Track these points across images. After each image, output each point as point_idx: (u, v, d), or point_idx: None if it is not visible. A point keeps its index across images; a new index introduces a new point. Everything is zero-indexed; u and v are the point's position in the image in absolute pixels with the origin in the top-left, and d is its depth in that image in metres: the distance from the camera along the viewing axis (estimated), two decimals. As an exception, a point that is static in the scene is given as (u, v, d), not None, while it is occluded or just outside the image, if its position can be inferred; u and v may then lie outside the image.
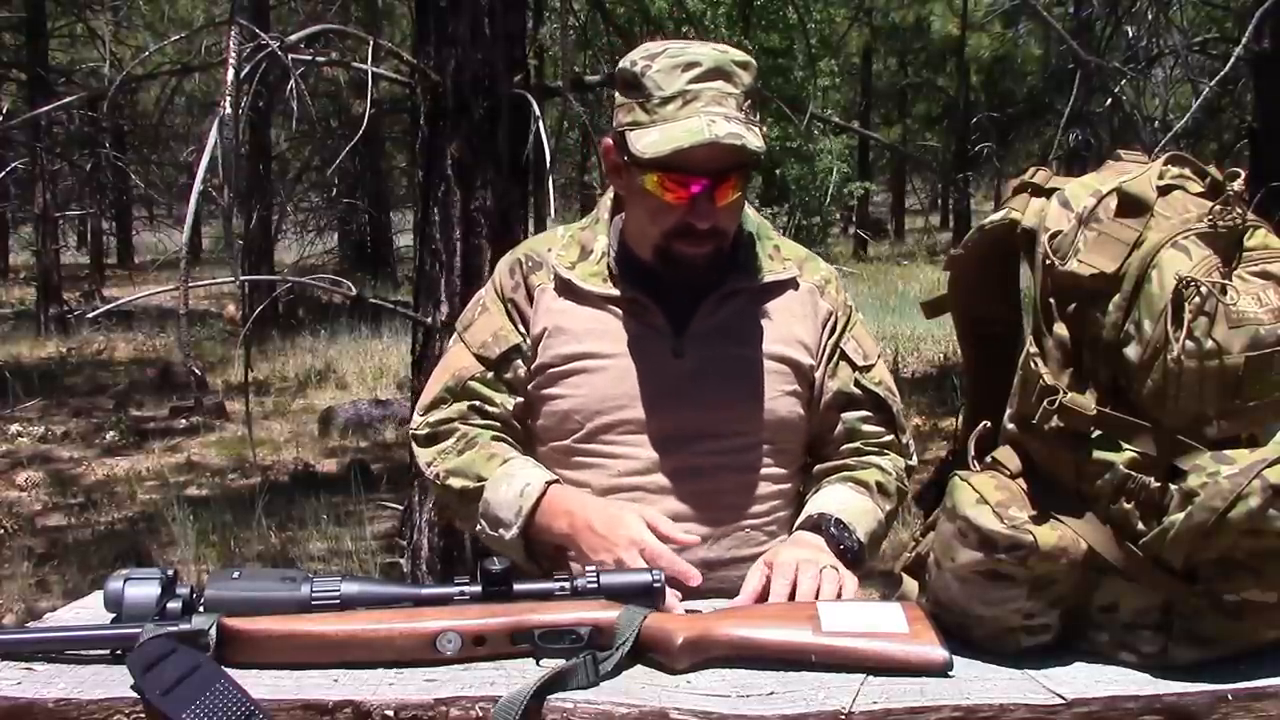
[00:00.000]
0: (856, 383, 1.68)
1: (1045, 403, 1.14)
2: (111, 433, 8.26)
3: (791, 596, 1.39)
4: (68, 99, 9.46)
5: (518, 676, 1.14)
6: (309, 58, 4.35)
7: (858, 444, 1.69)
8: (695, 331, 1.62)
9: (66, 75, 14.94)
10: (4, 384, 9.04)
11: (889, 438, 1.70)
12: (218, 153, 3.16)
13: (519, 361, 1.66)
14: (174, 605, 1.18)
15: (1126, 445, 1.12)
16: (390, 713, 1.09)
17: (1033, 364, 1.17)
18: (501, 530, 1.56)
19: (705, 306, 1.63)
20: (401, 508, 4.36)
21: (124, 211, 19.52)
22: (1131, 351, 1.11)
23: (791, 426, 1.65)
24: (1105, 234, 1.14)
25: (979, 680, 1.15)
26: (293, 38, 3.88)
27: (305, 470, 7.22)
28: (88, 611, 1.35)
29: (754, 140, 1.49)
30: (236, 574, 1.23)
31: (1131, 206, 1.15)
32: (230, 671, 1.10)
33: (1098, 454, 1.13)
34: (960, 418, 1.39)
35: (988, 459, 1.22)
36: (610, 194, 1.72)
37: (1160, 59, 8.38)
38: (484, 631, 1.19)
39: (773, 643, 1.19)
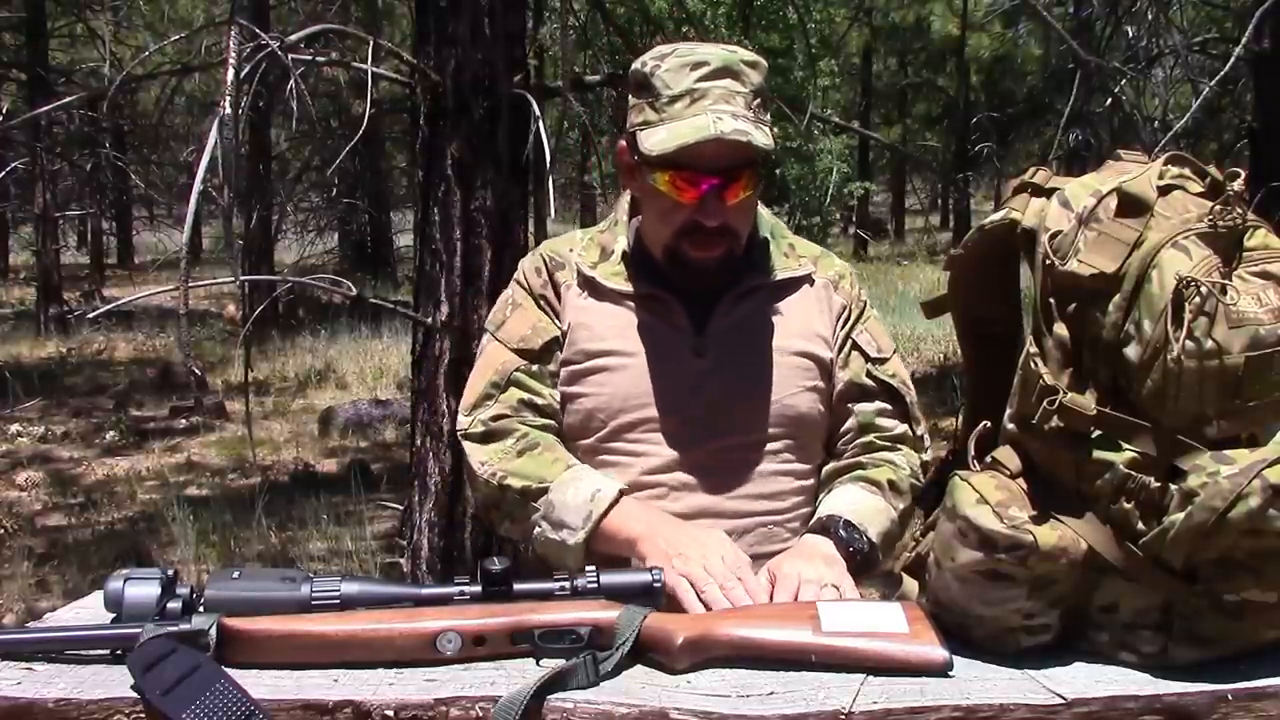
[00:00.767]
0: (869, 373, 1.68)
1: (1045, 403, 1.14)
2: (111, 433, 8.27)
3: None
4: (68, 99, 9.46)
5: (518, 676, 1.14)
6: (309, 58, 4.35)
7: (870, 438, 1.68)
8: (714, 330, 1.63)
9: (66, 75, 14.94)
10: (4, 384, 9.04)
11: (902, 429, 1.70)
12: (218, 153, 3.16)
13: (558, 353, 1.66)
14: (174, 605, 1.19)
15: (1126, 445, 1.12)
16: (390, 713, 1.09)
17: (1033, 364, 1.17)
18: (565, 533, 1.54)
19: (723, 304, 1.63)
20: (401, 508, 4.36)
21: (124, 211, 19.53)
22: (1131, 351, 1.11)
23: (811, 423, 1.65)
24: (1105, 234, 1.14)
25: (979, 680, 1.15)
26: (293, 38, 3.88)
27: (305, 470, 7.22)
28: (88, 611, 1.35)
29: (761, 137, 1.49)
30: (236, 574, 1.23)
31: (1131, 206, 1.15)
32: (230, 671, 1.10)
33: (1098, 454, 1.13)
34: (960, 418, 1.39)
35: (988, 459, 1.22)
36: (627, 196, 1.72)
37: (1160, 59, 8.39)
38: (484, 631, 1.19)
39: (773, 643, 1.19)
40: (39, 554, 5.55)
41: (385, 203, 18.55)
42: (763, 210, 1.71)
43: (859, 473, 1.66)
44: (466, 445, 1.65)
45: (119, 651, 1.16)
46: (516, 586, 1.24)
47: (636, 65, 1.58)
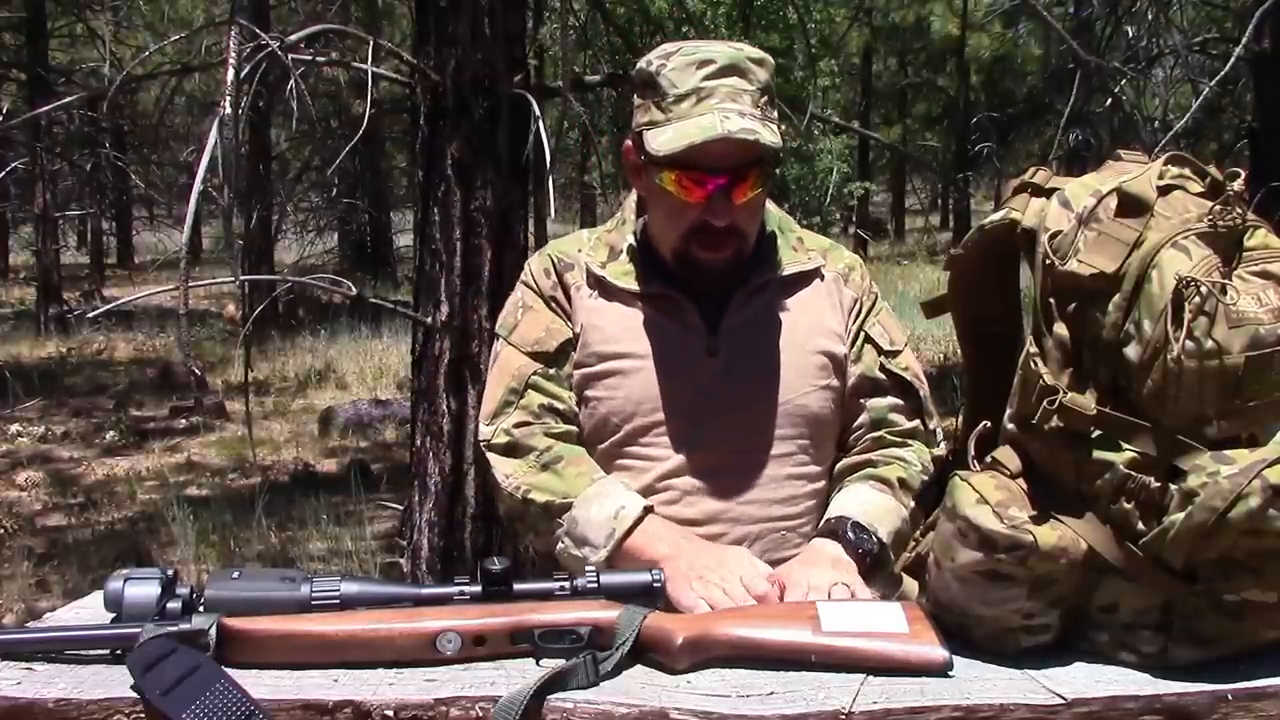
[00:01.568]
0: (882, 367, 1.66)
1: (1045, 403, 1.14)
2: (111, 433, 8.26)
3: None
4: (68, 99, 9.46)
5: (518, 676, 1.15)
6: (309, 58, 4.35)
7: (882, 433, 1.66)
8: (727, 328, 1.61)
9: (66, 75, 14.93)
10: (4, 384, 9.04)
11: (914, 424, 1.68)
12: (218, 153, 3.16)
13: (573, 354, 1.64)
14: (174, 605, 1.19)
15: (1126, 445, 1.12)
16: (390, 713, 1.09)
17: (1033, 364, 1.17)
18: (587, 550, 1.52)
19: (734, 302, 1.62)
20: (401, 508, 4.36)
21: (124, 211, 19.52)
22: (1131, 351, 1.11)
23: (825, 422, 1.64)
24: (1105, 234, 1.14)
25: (979, 680, 1.15)
26: (293, 38, 3.87)
27: (305, 470, 7.22)
28: (88, 611, 1.35)
29: (769, 135, 1.48)
30: (236, 574, 1.23)
31: (1131, 206, 1.15)
32: (230, 671, 1.10)
33: (1098, 454, 1.13)
34: (960, 418, 1.39)
35: (988, 459, 1.22)
36: (634, 194, 1.71)
37: (1160, 59, 8.38)
38: (484, 631, 1.19)
39: (773, 643, 1.19)
40: (39, 554, 5.55)
41: (385, 203, 18.54)
42: (771, 206, 1.70)
43: (869, 470, 1.64)
44: (491, 457, 1.63)
45: (119, 651, 1.16)
46: (516, 586, 1.24)
47: (642, 64, 1.57)
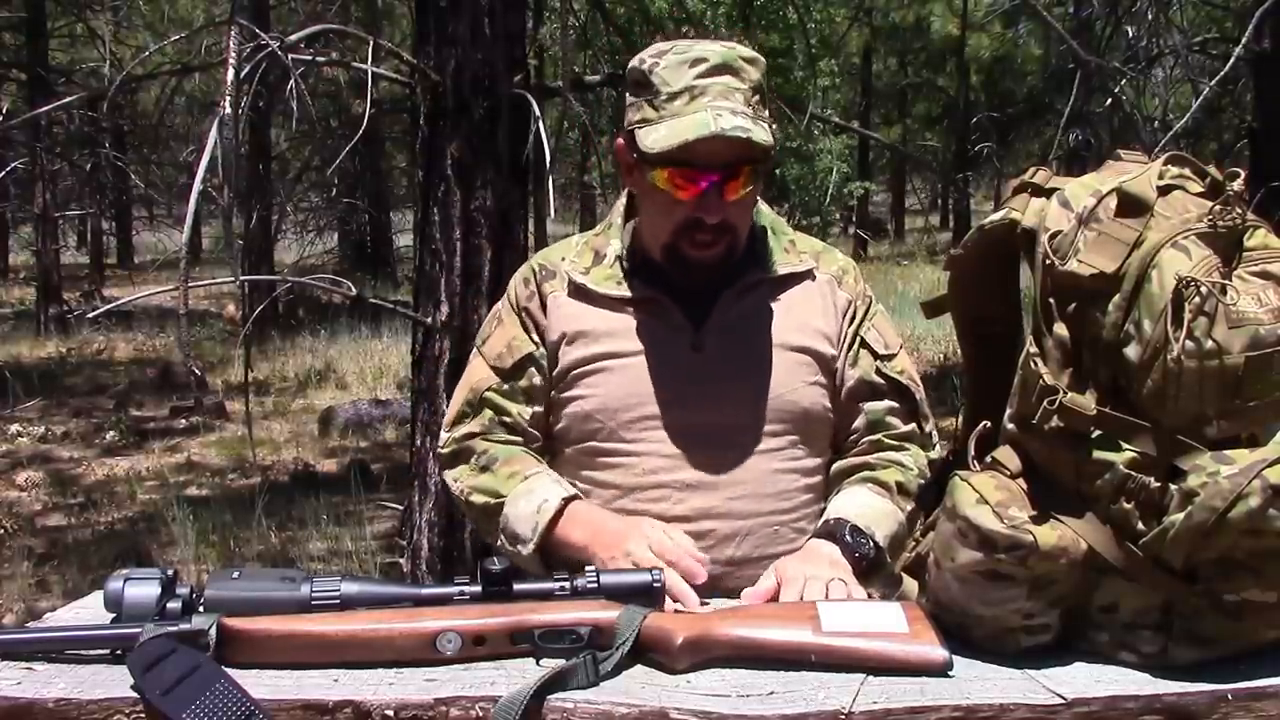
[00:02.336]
0: (878, 370, 1.66)
1: (1045, 403, 1.14)
2: (111, 433, 8.26)
3: None
4: (68, 99, 9.46)
5: (518, 676, 1.14)
6: (309, 58, 4.35)
7: (879, 436, 1.67)
8: (714, 325, 1.61)
9: (66, 75, 14.93)
10: (4, 384, 9.04)
11: (910, 428, 1.68)
12: (218, 153, 3.16)
13: (533, 370, 1.66)
14: (174, 605, 1.19)
15: (1126, 445, 1.12)
16: (390, 713, 1.09)
17: (1033, 364, 1.17)
18: (520, 546, 1.56)
19: (723, 301, 1.62)
20: (401, 508, 4.36)
21: (124, 211, 19.52)
22: (1131, 351, 1.11)
23: (817, 418, 1.64)
24: (1105, 234, 1.14)
25: (979, 680, 1.15)
26: (293, 38, 3.88)
27: (305, 470, 7.22)
28: (88, 611, 1.35)
29: (761, 134, 1.49)
30: (236, 574, 1.23)
31: (1131, 206, 1.15)
32: (230, 671, 1.10)
33: (1098, 454, 1.13)
34: (960, 418, 1.39)
35: (988, 459, 1.22)
36: (624, 199, 1.72)
37: (1160, 59, 8.38)
38: (484, 631, 1.19)
39: (773, 643, 1.19)
40: (39, 554, 5.55)
41: (385, 203, 18.54)
42: (763, 206, 1.70)
43: (867, 474, 1.64)
44: (443, 467, 1.72)
45: (119, 651, 1.16)
46: (516, 586, 1.24)
47: (634, 63, 1.57)
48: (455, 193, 3.77)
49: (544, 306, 1.66)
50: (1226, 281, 1.09)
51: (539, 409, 1.67)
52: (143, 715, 1.09)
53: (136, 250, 21.22)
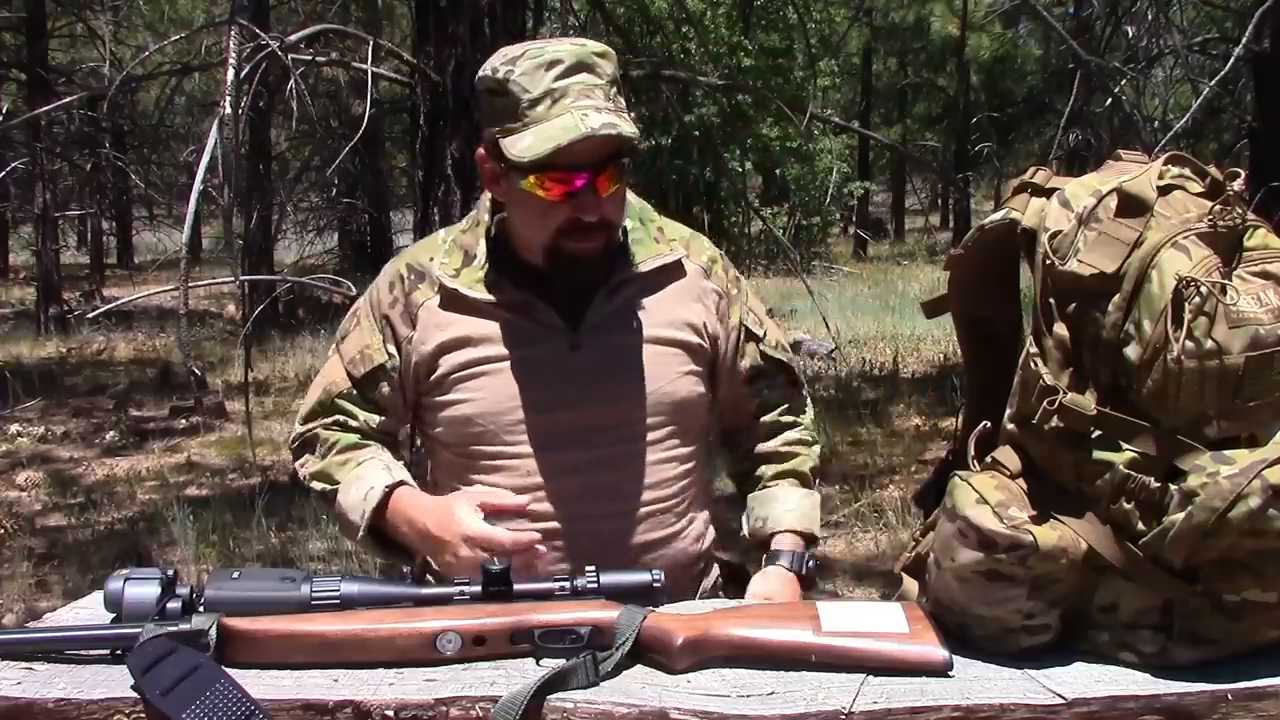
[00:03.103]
0: (761, 354, 1.75)
1: (1045, 403, 1.14)
2: (111, 433, 8.26)
3: None
4: (68, 99, 9.47)
5: (518, 676, 1.15)
6: (309, 58, 4.36)
7: (774, 415, 1.80)
8: (590, 324, 1.62)
9: (66, 75, 14.94)
10: (4, 384, 9.04)
11: (793, 396, 1.81)
12: (218, 153, 3.16)
13: (384, 383, 1.68)
14: (174, 605, 1.19)
15: (1126, 445, 1.12)
16: (390, 713, 1.09)
17: (1033, 364, 1.17)
18: (352, 532, 1.62)
19: (597, 300, 1.63)
20: (401, 508, 4.36)
21: (124, 211, 19.52)
22: (1131, 351, 1.11)
23: (692, 405, 1.68)
24: (1105, 234, 1.14)
25: (979, 680, 1.15)
26: (293, 38, 3.88)
27: (305, 470, 7.21)
28: (88, 611, 1.35)
29: (628, 127, 1.50)
30: (236, 574, 1.23)
31: (1131, 206, 1.15)
32: (230, 671, 1.10)
33: (1098, 454, 1.13)
34: (960, 418, 1.39)
35: (988, 459, 1.22)
36: (488, 196, 1.70)
37: (1160, 59, 8.38)
38: (484, 631, 1.19)
39: (773, 643, 1.19)
40: (39, 554, 5.55)
41: (385, 203, 18.53)
42: (631, 196, 1.70)
43: (784, 467, 1.78)
44: (294, 458, 1.76)
45: (119, 651, 1.16)
46: (516, 586, 1.24)
47: (485, 72, 1.55)
48: (455, 193, 3.78)
49: (411, 317, 1.65)
50: (1226, 281, 1.09)
51: (386, 418, 1.71)
52: (143, 715, 1.09)
53: (136, 250, 21.22)
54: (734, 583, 1.77)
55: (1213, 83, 5.98)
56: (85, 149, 13.91)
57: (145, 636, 1.14)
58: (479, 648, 1.19)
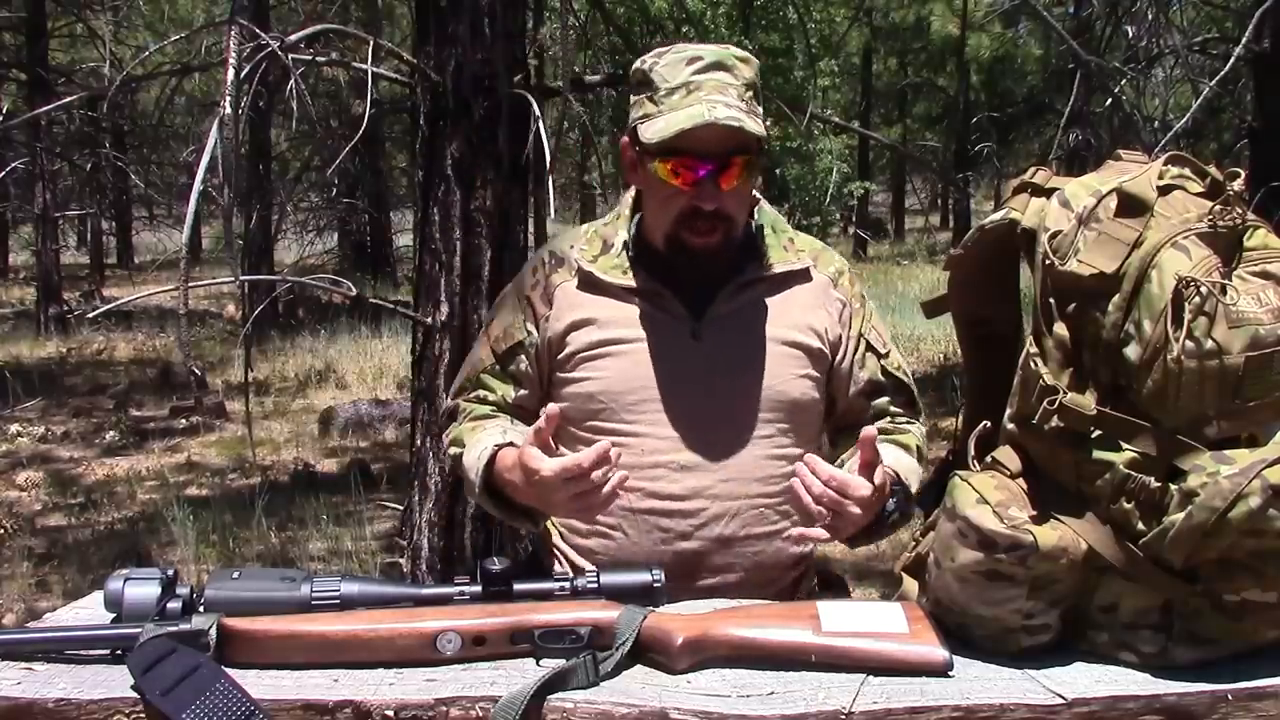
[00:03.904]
0: (883, 370, 1.76)
1: (1045, 403, 1.14)
2: (111, 433, 8.26)
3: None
4: (68, 99, 9.46)
5: (518, 676, 1.15)
6: (309, 58, 4.35)
7: (885, 422, 1.77)
8: (712, 317, 1.68)
9: (66, 75, 14.92)
10: (4, 384, 9.04)
11: (912, 416, 1.80)
12: (218, 153, 3.16)
13: (523, 357, 1.75)
14: (174, 605, 1.19)
15: (1126, 445, 1.12)
16: (390, 713, 1.09)
17: (1033, 364, 1.17)
18: (472, 493, 1.68)
19: (723, 294, 1.68)
20: (401, 508, 4.36)
21: (124, 211, 19.51)
22: (1131, 351, 1.11)
23: (805, 408, 1.70)
24: (1105, 234, 1.14)
25: (979, 680, 1.15)
26: (293, 38, 3.88)
27: (305, 470, 7.21)
28: (88, 611, 1.35)
29: (752, 125, 1.56)
30: (236, 574, 1.23)
31: (1131, 206, 1.15)
32: (230, 671, 1.10)
33: (1098, 454, 1.13)
34: (960, 418, 1.39)
35: (988, 459, 1.22)
36: (632, 191, 1.78)
37: (1160, 59, 8.38)
38: (484, 631, 1.19)
39: (773, 643, 1.19)
40: (39, 554, 5.55)
41: (385, 203, 18.53)
42: (765, 205, 1.77)
43: (890, 437, 1.73)
44: (440, 429, 1.86)
45: (119, 651, 1.16)
46: (516, 586, 1.24)
47: (637, 64, 1.66)
48: (455, 193, 3.77)
49: (549, 297, 1.73)
50: (1226, 281, 1.09)
51: (525, 392, 1.76)
52: (143, 715, 1.09)
53: (136, 250, 21.22)
54: (829, 589, 1.79)
55: (1213, 83, 5.97)
56: (85, 149, 13.91)
57: (145, 636, 1.14)
58: (479, 648, 1.19)
